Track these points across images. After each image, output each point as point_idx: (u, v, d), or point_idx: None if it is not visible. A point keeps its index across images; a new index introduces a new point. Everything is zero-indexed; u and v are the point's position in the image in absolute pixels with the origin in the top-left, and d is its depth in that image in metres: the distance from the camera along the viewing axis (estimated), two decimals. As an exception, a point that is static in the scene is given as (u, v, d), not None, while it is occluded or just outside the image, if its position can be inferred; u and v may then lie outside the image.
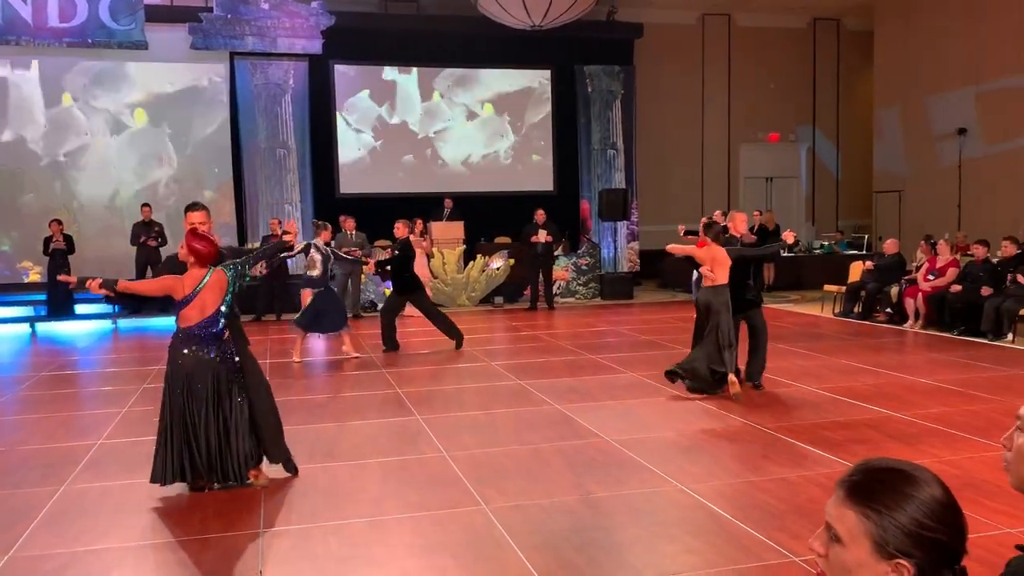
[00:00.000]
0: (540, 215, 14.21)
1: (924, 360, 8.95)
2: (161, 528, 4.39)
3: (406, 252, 9.81)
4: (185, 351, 4.73)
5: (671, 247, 7.43)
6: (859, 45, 19.47)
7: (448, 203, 15.03)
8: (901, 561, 1.23)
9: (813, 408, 6.70)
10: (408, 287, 9.90)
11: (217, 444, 4.73)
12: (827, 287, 13.14)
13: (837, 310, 12.63)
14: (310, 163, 16.02)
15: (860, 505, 1.26)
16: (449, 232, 14.64)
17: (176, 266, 4.94)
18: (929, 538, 1.24)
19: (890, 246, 12.32)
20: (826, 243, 17.70)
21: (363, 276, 13.64)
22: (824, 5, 18.51)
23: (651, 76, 18.17)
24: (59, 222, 13.32)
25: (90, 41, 14.25)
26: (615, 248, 17.08)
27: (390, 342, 9.94)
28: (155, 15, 14.49)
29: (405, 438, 6.03)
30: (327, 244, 9.38)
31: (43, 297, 13.24)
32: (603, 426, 6.18)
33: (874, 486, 1.27)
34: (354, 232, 13.58)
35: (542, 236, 13.92)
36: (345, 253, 9.90)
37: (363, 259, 10.77)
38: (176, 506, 4.70)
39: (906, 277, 11.72)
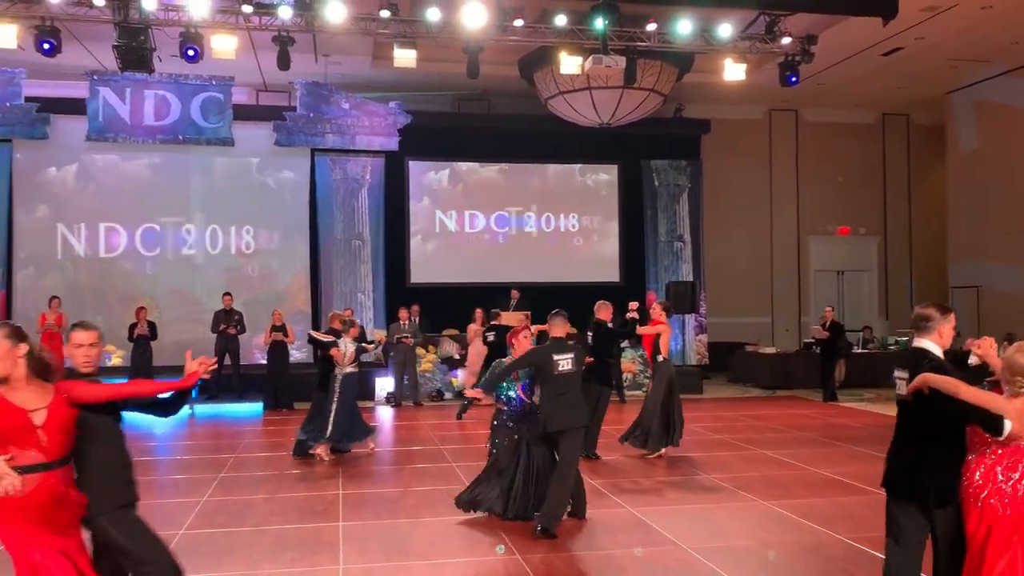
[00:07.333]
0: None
1: (1011, 467, 8.58)
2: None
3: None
4: None
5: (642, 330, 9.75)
6: (930, 139, 19.37)
7: (515, 294, 15.19)
8: None
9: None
10: None
11: None
12: (904, 385, 12.73)
13: (915, 410, 12.21)
14: (383, 254, 16.45)
15: None
16: (516, 322, 14.73)
17: None
18: None
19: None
20: (902, 339, 17.28)
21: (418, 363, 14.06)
22: (893, 101, 18.53)
23: (718, 170, 18.30)
24: (144, 309, 13.82)
25: (180, 138, 15.10)
26: (683, 341, 16.98)
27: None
28: (242, 113, 15.33)
29: (473, 540, 6.01)
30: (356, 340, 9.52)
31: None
32: (681, 532, 6.07)
33: None
34: (407, 321, 13.80)
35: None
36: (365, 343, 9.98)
37: (364, 346, 10.32)
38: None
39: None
